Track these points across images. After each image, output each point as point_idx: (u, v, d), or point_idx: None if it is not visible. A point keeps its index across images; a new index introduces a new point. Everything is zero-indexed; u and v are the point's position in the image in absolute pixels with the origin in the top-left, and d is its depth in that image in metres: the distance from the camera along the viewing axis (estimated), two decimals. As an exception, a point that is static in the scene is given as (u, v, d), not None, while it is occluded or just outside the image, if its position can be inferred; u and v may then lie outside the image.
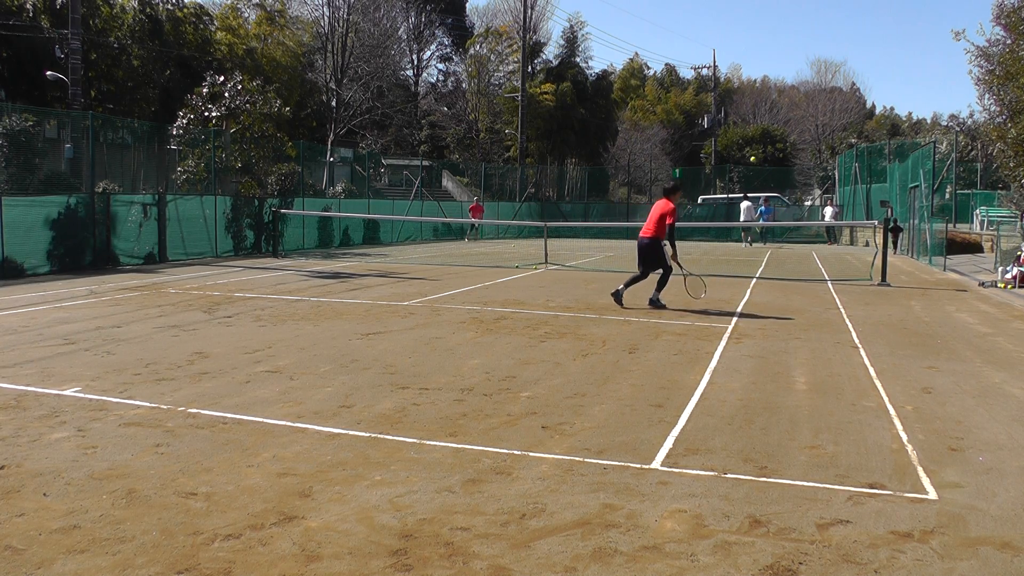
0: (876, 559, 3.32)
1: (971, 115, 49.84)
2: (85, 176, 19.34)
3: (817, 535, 3.54)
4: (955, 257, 20.07)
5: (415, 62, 56.89)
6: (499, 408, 5.61)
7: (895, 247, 23.85)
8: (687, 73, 70.02)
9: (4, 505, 3.78)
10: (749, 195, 34.93)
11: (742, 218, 30.36)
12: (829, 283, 15.29)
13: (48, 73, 25.73)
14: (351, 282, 14.26)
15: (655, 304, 10.70)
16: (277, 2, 41.58)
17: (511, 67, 49.03)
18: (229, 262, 18.98)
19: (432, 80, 59.70)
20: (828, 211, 33.84)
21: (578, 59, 51.76)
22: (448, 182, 46.03)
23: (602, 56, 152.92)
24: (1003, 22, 15.39)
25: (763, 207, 30.88)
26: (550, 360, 7.34)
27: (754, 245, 30.20)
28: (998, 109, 16.10)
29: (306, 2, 46.01)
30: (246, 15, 38.82)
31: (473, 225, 31.12)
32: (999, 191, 29.74)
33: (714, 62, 74.88)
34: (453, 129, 50.37)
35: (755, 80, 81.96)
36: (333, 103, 44.10)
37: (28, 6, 27.91)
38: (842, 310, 11.14)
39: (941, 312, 11.07)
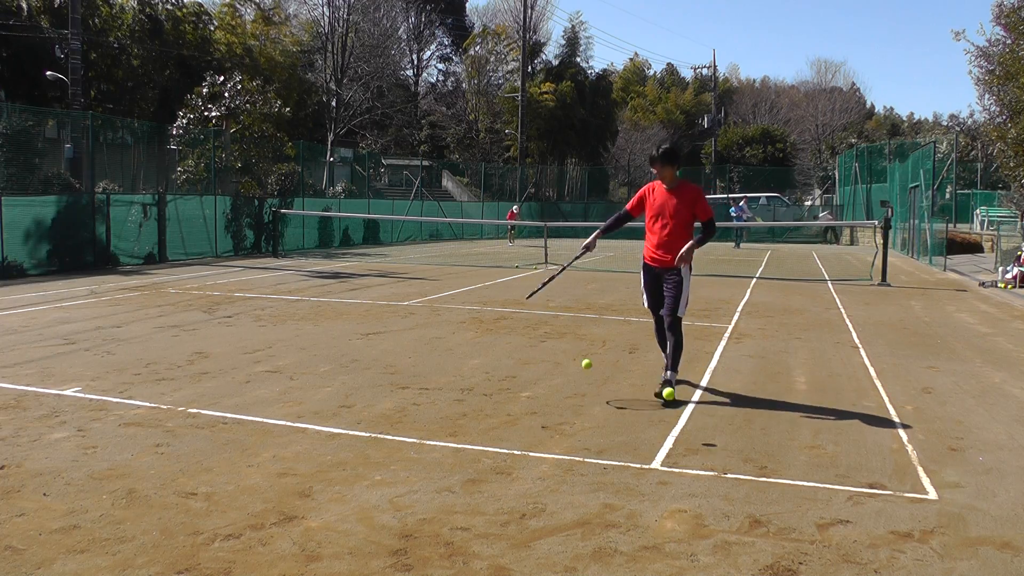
0: (876, 559, 3.32)
1: (971, 115, 49.86)
2: (85, 176, 19.34)
3: (817, 535, 3.54)
4: (955, 257, 20.07)
5: (415, 62, 56.87)
6: (499, 408, 5.61)
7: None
8: (687, 73, 70.02)
9: (4, 505, 3.78)
10: (747, 195, 34.87)
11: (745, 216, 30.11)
12: (829, 283, 15.29)
13: (48, 73, 25.71)
14: (351, 282, 14.26)
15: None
16: (274, 0, 41.59)
17: (511, 67, 49.01)
18: (229, 262, 18.98)
19: (432, 80, 59.72)
20: (822, 214, 33.91)
21: (578, 59, 51.73)
22: (448, 182, 46.02)
23: (602, 56, 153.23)
24: (1003, 22, 15.39)
25: (732, 208, 29.95)
26: (550, 360, 7.34)
27: (741, 247, 29.39)
28: (998, 109, 16.11)
29: (306, 2, 46.04)
30: (243, 14, 38.78)
31: (511, 227, 30.70)
32: (999, 191, 29.75)
33: (714, 62, 74.93)
34: (453, 129, 50.34)
35: (754, 80, 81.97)
36: (333, 103, 44.09)
37: (23, 4, 27.87)
38: (842, 310, 11.14)
39: (941, 312, 11.07)
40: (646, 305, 6.15)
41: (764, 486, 4.14)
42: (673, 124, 62.30)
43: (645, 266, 6.05)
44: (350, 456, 4.54)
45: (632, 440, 4.90)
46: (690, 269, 5.97)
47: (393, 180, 45.01)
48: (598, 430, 5.10)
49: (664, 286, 5.90)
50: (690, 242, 5.77)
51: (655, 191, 5.98)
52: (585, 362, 5.87)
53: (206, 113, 22.72)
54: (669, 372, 5.86)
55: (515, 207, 32.97)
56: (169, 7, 33.17)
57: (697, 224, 5.91)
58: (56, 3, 29.28)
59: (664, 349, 6.03)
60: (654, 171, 5.95)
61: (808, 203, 46.69)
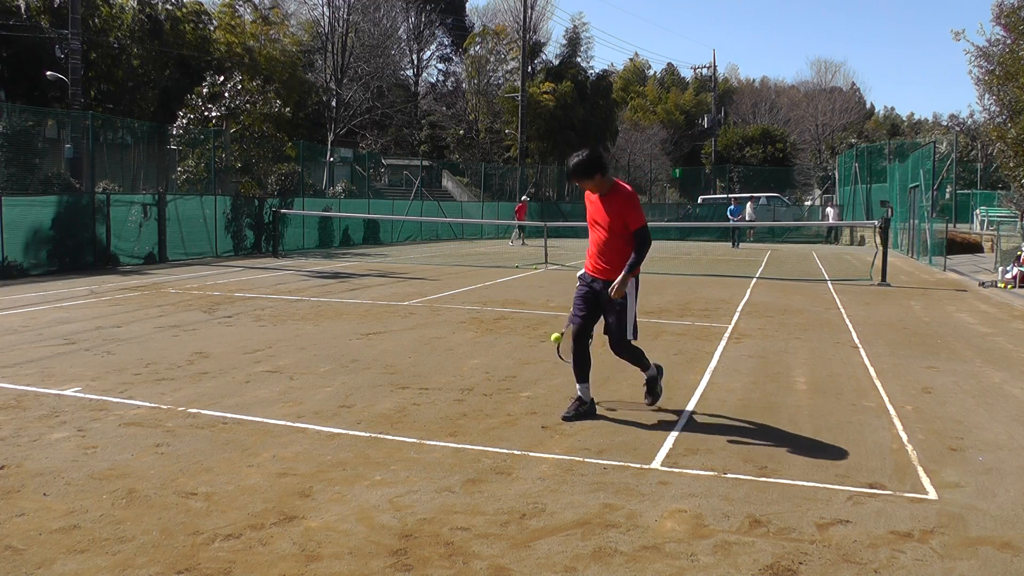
0: (876, 559, 3.32)
1: (971, 115, 49.89)
2: (85, 176, 19.34)
3: (817, 535, 3.54)
4: (955, 257, 20.07)
5: (415, 62, 56.88)
6: (499, 408, 5.60)
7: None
8: (687, 73, 70.02)
9: (4, 505, 3.78)
10: (747, 196, 34.82)
11: (748, 216, 29.98)
12: (829, 283, 15.29)
13: (48, 73, 25.71)
14: (351, 282, 14.26)
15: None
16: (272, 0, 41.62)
17: (510, 67, 49.01)
18: (229, 262, 18.98)
19: (432, 80, 59.73)
20: (830, 211, 33.75)
21: (579, 59, 51.71)
22: (448, 182, 46.03)
23: (603, 56, 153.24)
24: (1003, 22, 15.40)
25: (732, 207, 29.69)
26: (550, 360, 7.33)
27: (739, 247, 28.92)
28: (998, 109, 16.11)
29: (306, 2, 46.05)
30: (242, 14, 38.77)
31: (520, 227, 29.87)
32: (999, 191, 29.77)
33: (714, 62, 74.82)
34: (453, 129, 50.34)
35: (754, 80, 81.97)
36: (333, 103, 44.10)
37: (20, 3, 27.86)
38: (842, 310, 11.14)
39: (941, 312, 11.07)
40: (571, 314, 5.45)
41: (764, 486, 4.14)
42: (673, 124, 62.33)
43: (582, 274, 5.43)
44: (350, 456, 4.54)
45: (632, 440, 4.90)
46: (635, 286, 5.30)
47: (393, 180, 45.02)
48: (598, 430, 5.10)
49: (605, 305, 5.27)
50: (622, 273, 5.11)
51: (590, 198, 5.40)
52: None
53: (206, 113, 22.72)
54: (645, 373, 5.58)
55: (524, 197, 32.49)
56: (169, 7, 33.16)
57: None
58: (56, 3, 29.28)
59: (574, 364, 5.37)
60: (577, 185, 5.34)
61: (808, 203, 46.68)
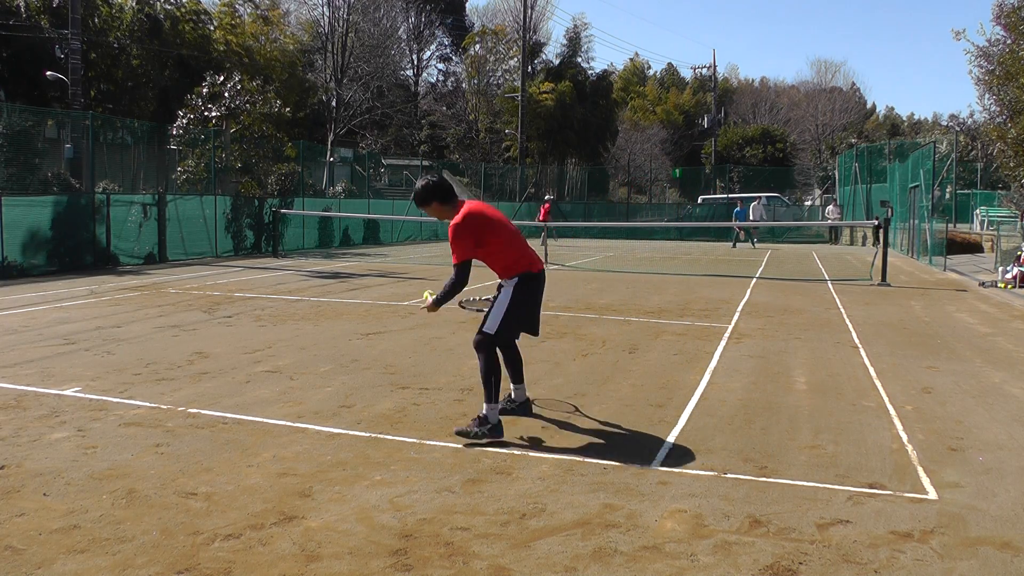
0: (876, 559, 3.32)
1: (971, 115, 49.89)
2: (85, 176, 19.33)
3: (817, 535, 3.54)
4: (955, 257, 20.06)
5: (415, 62, 56.90)
6: (499, 408, 5.59)
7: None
8: (687, 73, 70.06)
9: (4, 505, 3.78)
10: (753, 195, 34.72)
11: (751, 217, 29.87)
12: (829, 283, 15.29)
13: (48, 73, 25.71)
14: (351, 282, 14.26)
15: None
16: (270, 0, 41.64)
17: (510, 66, 49.00)
18: (229, 262, 18.98)
19: (432, 80, 59.74)
20: (831, 209, 33.70)
21: (579, 59, 51.71)
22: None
23: (603, 56, 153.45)
24: (1003, 22, 15.40)
25: (738, 209, 29.58)
26: (550, 360, 7.34)
27: (737, 247, 28.77)
28: (998, 109, 16.12)
29: (305, 2, 46.06)
30: (241, 14, 38.76)
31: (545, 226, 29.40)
32: (999, 191, 29.75)
33: (714, 62, 74.89)
34: (453, 129, 50.34)
35: (753, 80, 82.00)
36: (333, 103, 44.12)
37: (20, 3, 27.86)
38: (842, 310, 11.14)
39: (941, 312, 11.07)
40: None
41: (764, 486, 4.14)
42: (673, 124, 62.34)
43: None
44: (350, 456, 4.54)
45: (632, 440, 4.90)
46: (512, 288, 5.12)
47: (393, 180, 45.02)
48: (598, 430, 5.10)
49: None
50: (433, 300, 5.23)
51: None
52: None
53: (206, 113, 22.72)
54: (484, 406, 4.79)
55: (548, 197, 32.00)
56: (168, 7, 33.15)
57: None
58: (56, 3, 29.27)
59: (504, 366, 5.20)
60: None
61: (808, 203, 46.66)
